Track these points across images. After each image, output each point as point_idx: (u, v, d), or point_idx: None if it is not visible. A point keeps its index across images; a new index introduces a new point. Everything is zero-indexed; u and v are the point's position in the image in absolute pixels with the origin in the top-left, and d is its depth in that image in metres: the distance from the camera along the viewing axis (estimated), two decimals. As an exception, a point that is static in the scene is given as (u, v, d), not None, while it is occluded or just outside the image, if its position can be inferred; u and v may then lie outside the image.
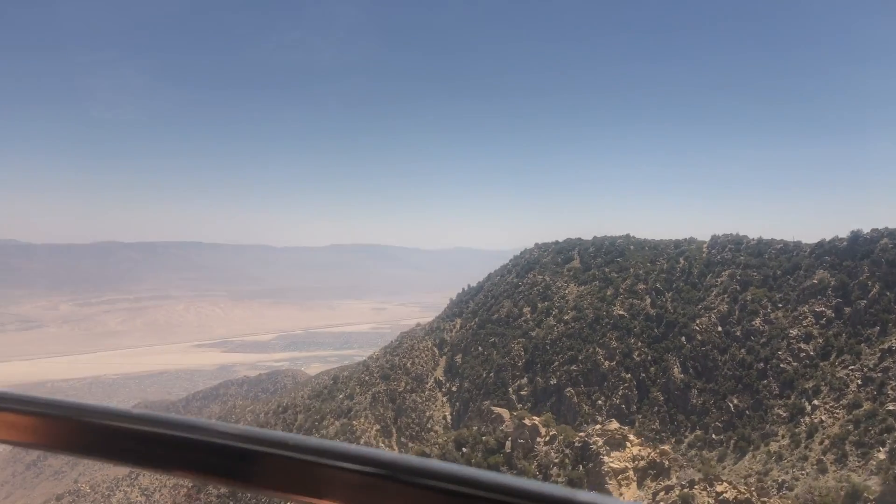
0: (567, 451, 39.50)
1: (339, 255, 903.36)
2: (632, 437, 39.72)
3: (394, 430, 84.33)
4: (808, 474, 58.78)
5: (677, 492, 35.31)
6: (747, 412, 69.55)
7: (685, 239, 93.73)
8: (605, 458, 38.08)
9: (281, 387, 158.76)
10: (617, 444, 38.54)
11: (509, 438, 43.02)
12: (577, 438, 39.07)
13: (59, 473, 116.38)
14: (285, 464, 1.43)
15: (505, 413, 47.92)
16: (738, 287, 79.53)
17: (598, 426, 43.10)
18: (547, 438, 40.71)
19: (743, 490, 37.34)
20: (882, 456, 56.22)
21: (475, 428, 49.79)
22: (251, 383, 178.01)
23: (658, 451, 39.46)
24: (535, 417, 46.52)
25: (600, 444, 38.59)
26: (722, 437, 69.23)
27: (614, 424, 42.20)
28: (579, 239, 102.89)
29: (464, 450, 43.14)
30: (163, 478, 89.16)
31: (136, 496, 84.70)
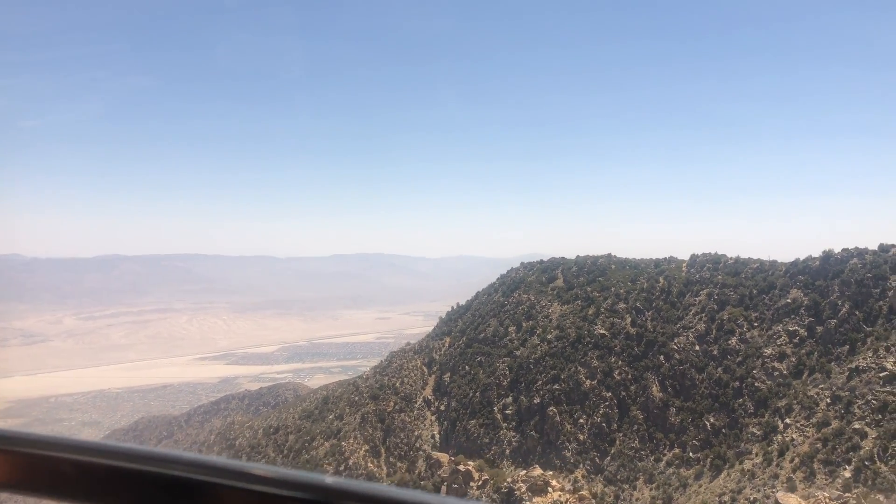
0: (495, 496, 41.42)
1: (343, 264, 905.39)
2: (554, 482, 41.57)
3: (382, 451, 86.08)
4: (777, 492, 60.50)
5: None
6: (723, 430, 71.25)
7: (665, 258, 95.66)
8: (527, 504, 40.02)
9: (282, 400, 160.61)
10: (539, 489, 40.39)
11: (445, 483, 44.94)
12: (505, 484, 40.94)
13: None
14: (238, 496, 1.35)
15: (444, 458, 49.84)
16: (715, 306, 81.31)
17: (523, 472, 44.93)
18: (480, 483, 42.58)
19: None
20: (847, 474, 58.03)
21: (417, 472, 51.84)
22: (252, 397, 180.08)
23: (577, 495, 41.31)
24: (469, 463, 48.46)
25: (524, 489, 40.49)
26: (699, 455, 70.89)
27: (537, 471, 44.02)
28: (563, 258, 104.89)
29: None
30: None
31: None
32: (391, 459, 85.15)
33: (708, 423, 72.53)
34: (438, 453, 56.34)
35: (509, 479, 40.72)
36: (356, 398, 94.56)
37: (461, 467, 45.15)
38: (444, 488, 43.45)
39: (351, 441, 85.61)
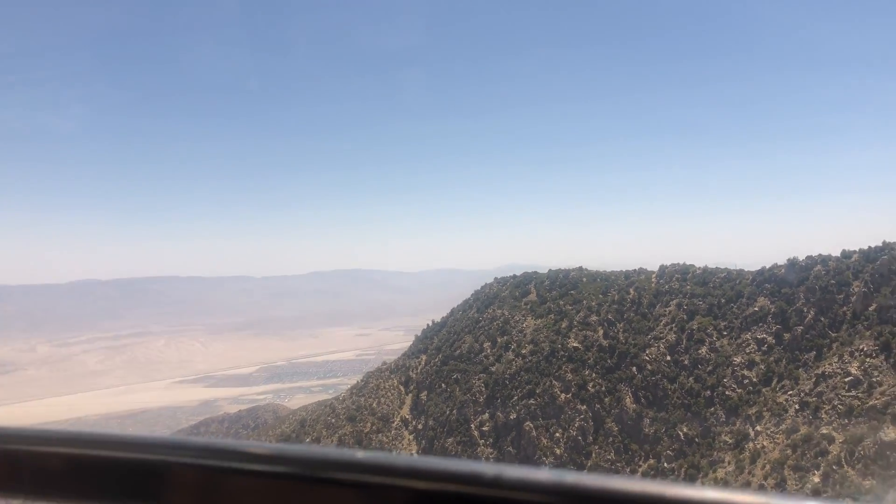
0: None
1: (320, 282, 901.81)
2: None
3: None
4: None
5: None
6: (696, 440, 72.09)
7: (635, 270, 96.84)
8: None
9: (262, 422, 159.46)
10: None
11: None
12: None
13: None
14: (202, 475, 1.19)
15: None
16: (685, 316, 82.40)
17: None
18: None
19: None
20: (816, 479, 59.05)
21: None
22: (231, 420, 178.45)
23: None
24: None
25: None
26: (673, 465, 71.63)
27: None
28: (535, 273, 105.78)
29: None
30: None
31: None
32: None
33: (681, 433, 73.35)
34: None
35: None
36: (333, 420, 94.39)
37: None
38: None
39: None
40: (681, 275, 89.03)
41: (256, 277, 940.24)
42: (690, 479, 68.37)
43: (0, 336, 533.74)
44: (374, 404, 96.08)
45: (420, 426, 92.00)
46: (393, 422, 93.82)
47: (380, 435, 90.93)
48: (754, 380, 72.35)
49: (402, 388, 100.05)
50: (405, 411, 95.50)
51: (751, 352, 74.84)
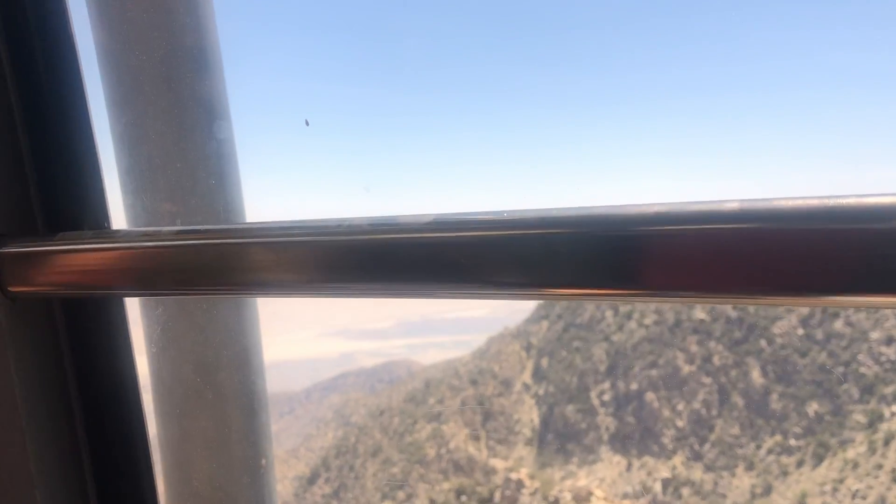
0: (545, 505, 42.85)
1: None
2: (597, 492, 42.31)
3: (482, 435, 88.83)
4: (882, 483, 58.80)
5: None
6: (826, 418, 69.47)
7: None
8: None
9: (396, 377, 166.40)
10: (583, 499, 41.26)
11: (499, 488, 46.76)
12: (552, 494, 42.10)
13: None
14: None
15: (499, 464, 51.43)
16: (819, 288, 78.58)
17: (568, 481, 45.95)
18: (532, 491, 43.93)
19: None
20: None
21: (474, 479, 53.74)
22: (368, 374, 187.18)
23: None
24: (522, 469, 49.91)
25: (569, 499, 41.42)
26: (801, 443, 69.51)
27: (582, 480, 44.83)
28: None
29: (463, 498, 47.35)
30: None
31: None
32: (490, 443, 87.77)
33: (810, 410, 70.81)
34: (496, 460, 58.21)
35: (556, 489, 42.19)
36: (456, 382, 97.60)
37: (513, 475, 47.08)
38: (497, 493, 45.64)
39: (451, 424, 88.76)
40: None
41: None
42: (819, 458, 66.22)
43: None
44: (496, 368, 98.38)
45: (541, 392, 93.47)
46: (514, 387, 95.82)
47: (501, 399, 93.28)
48: (893, 357, 68.48)
49: (523, 353, 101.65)
50: (526, 377, 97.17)
51: (889, 327, 70.76)
